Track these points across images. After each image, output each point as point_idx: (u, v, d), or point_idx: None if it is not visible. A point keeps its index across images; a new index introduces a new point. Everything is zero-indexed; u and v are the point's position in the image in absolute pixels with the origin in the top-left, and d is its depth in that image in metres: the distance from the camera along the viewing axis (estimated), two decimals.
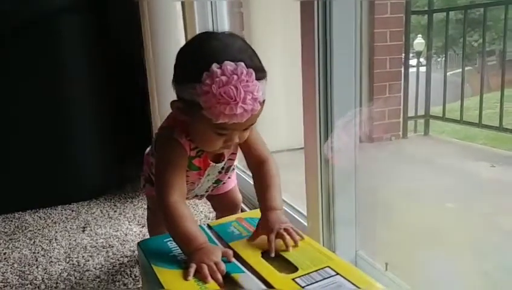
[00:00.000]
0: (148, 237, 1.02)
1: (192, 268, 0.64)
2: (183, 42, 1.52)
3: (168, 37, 1.48)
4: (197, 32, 1.56)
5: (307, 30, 0.88)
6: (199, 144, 0.75)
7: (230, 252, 0.70)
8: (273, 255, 0.69)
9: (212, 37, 0.68)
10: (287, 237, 0.70)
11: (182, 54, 0.71)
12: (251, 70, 0.62)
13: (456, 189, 1.61)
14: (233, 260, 0.69)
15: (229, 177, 0.95)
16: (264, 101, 0.68)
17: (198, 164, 0.79)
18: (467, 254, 1.08)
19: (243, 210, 1.26)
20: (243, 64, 0.62)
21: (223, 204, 1.04)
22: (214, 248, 0.69)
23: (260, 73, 0.65)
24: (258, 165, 0.81)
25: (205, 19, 1.60)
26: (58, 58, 1.44)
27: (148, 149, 0.96)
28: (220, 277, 0.64)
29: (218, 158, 0.82)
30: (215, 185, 0.92)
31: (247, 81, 0.61)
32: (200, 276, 0.64)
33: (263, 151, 0.82)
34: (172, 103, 0.71)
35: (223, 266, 0.65)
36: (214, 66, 0.61)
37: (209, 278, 0.63)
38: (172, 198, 0.72)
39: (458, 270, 0.95)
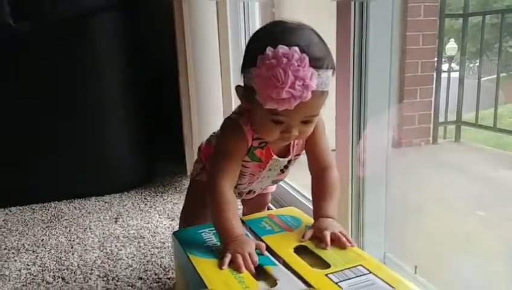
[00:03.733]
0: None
1: (227, 258, 0.66)
2: (216, 41, 1.55)
3: (202, 36, 1.51)
4: (229, 31, 1.58)
5: (342, 30, 0.88)
6: (257, 130, 0.73)
7: (263, 245, 0.71)
8: (328, 248, 0.68)
9: (278, 24, 0.68)
10: (340, 239, 0.69)
11: (249, 41, 0.72)
12: (304, 55, 0.60)
13: (488, 197, 1.58)
14: (266, 253, 0.70)
15: None
16: (325, 92, 0.66)
17: (260, 155, 0.78)
18: (497, 262, 1.05)
19: (269, 209, 1.28)
20: (296, 48, 0.60)
21: (254, 201, 1.04)
22: (248, 239, 0.71)
23: (319, 62, 0.63)
24: (319, 172, 0.79)
25: (237, 19, 1.61)
26: (95, 57, 1.49)
27: (204, 142, 0.94)
28: (253, 267, 0.65)
29: (283, 153, 0.80)
30: (271, 184, 0.91)
31: (298, 66, 0.59)
32: (234, 266, 0.65)
33: (328, 159, 0.80)
34: (237, 89, 0.71)
35: (256, 257, 0.67)
36: (268, 49, 0.61)
37: (243, 268, 0.65)
38: (223, 182, 0.72)
39: (489, 278, 0.94)
